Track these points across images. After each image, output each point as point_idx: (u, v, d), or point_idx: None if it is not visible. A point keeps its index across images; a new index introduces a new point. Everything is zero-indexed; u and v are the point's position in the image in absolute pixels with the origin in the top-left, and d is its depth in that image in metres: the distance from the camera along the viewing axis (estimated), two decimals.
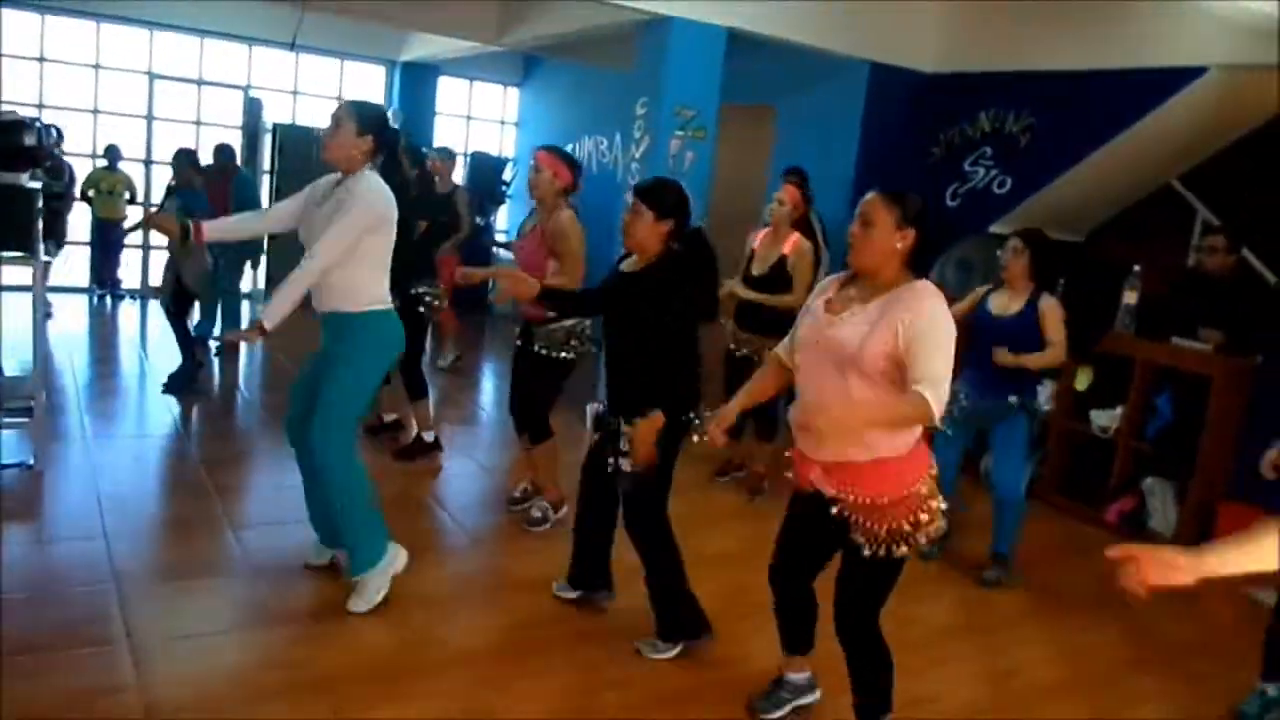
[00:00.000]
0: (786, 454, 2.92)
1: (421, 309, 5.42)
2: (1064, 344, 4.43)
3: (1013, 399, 4.49)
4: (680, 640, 3.56)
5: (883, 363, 2.51)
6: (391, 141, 3.64)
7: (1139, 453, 5.62)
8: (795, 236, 5.25)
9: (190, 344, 6.52)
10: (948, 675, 3.68)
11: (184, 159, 6.87)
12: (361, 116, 3.49)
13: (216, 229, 3.79)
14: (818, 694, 3.25)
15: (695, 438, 3.36)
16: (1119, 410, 5.63)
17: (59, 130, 8.25)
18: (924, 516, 2.64)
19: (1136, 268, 5.58)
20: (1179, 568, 1.74)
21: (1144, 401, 5.57)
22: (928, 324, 2.47)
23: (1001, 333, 4.45)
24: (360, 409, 3.70)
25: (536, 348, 4.48)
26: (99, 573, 3.74)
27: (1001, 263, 4.56)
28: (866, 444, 2.58)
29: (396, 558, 3.73)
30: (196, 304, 6.83)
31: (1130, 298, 5.56)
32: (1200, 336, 5.32)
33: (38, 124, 4.94)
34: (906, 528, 2.63)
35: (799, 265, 5.20)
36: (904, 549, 2.64)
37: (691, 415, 3.39)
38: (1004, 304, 4.52)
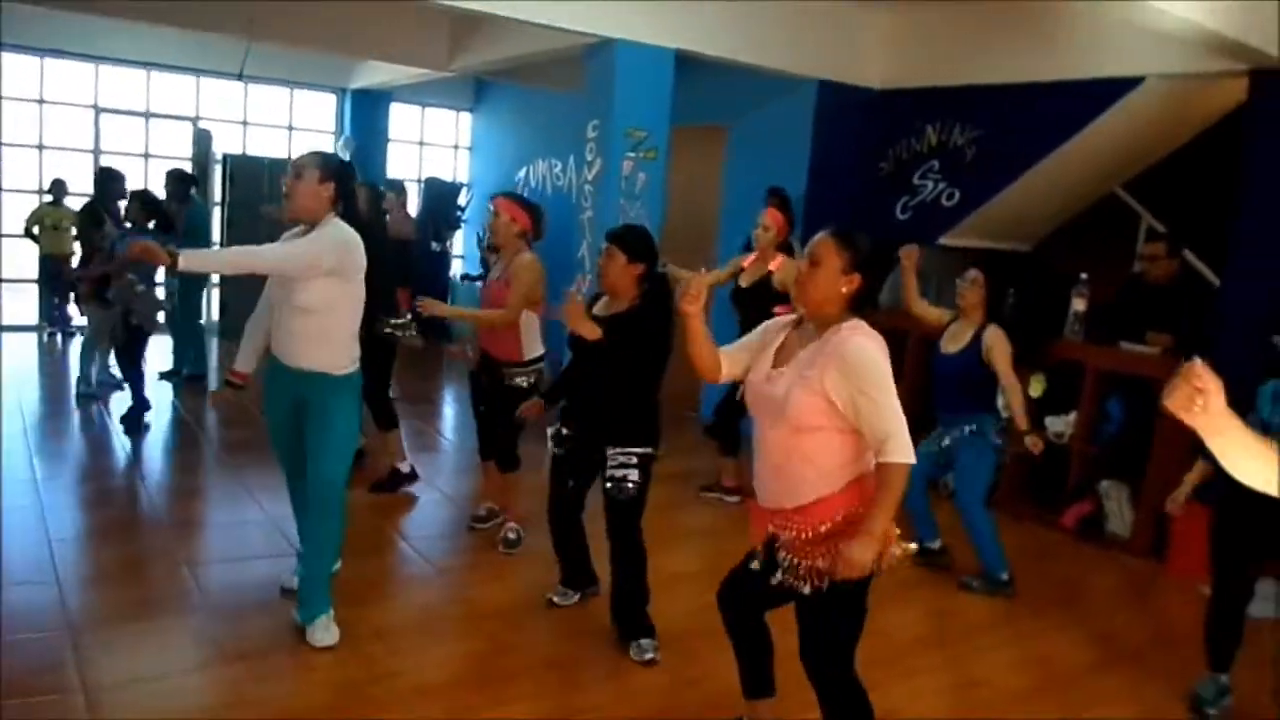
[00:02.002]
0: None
1: (391, 339, 5.39)
2: (1015, 379, 4.58)
3: (970, 428, 4.59)
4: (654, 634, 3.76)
5: (815, 419, 2.49)
6: (350, 191, 3.66)
7: (1093, 457, 5.70)
8: (781, 258, 5.44)
9: (139, 382, 6.40)
10: (914, 687, 3.70)
11: (138, 200, 6.62)
12: (323, 164, 3.49)
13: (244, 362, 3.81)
14: None
15: None
16: (1072, 416, 5.72)
17: None
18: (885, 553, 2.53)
19: (1084, 275, 5.68)
20: (1219, 407, 1.65)
21: (1096, 407, 5.66)
22: (860, 374, 2.45)
23: (949, 369, 4.66)
24: (355, 446, 3.81)
25: (506, 383, 4.60)
26: (51, 618, 3.66)
27: (959, 292, 4.64)
28: (797, 490, 2.57)
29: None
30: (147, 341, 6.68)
31: (1079, 305, 5.66)
32: (1148, 341, 5.42)
33: None
34: (840, 558, 2.49)
35: (789, 281, 5.31)
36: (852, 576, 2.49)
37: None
38: (954, 339, 4.68)
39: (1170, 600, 5.01)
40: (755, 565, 2.77)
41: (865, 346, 2.49)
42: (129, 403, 6.40)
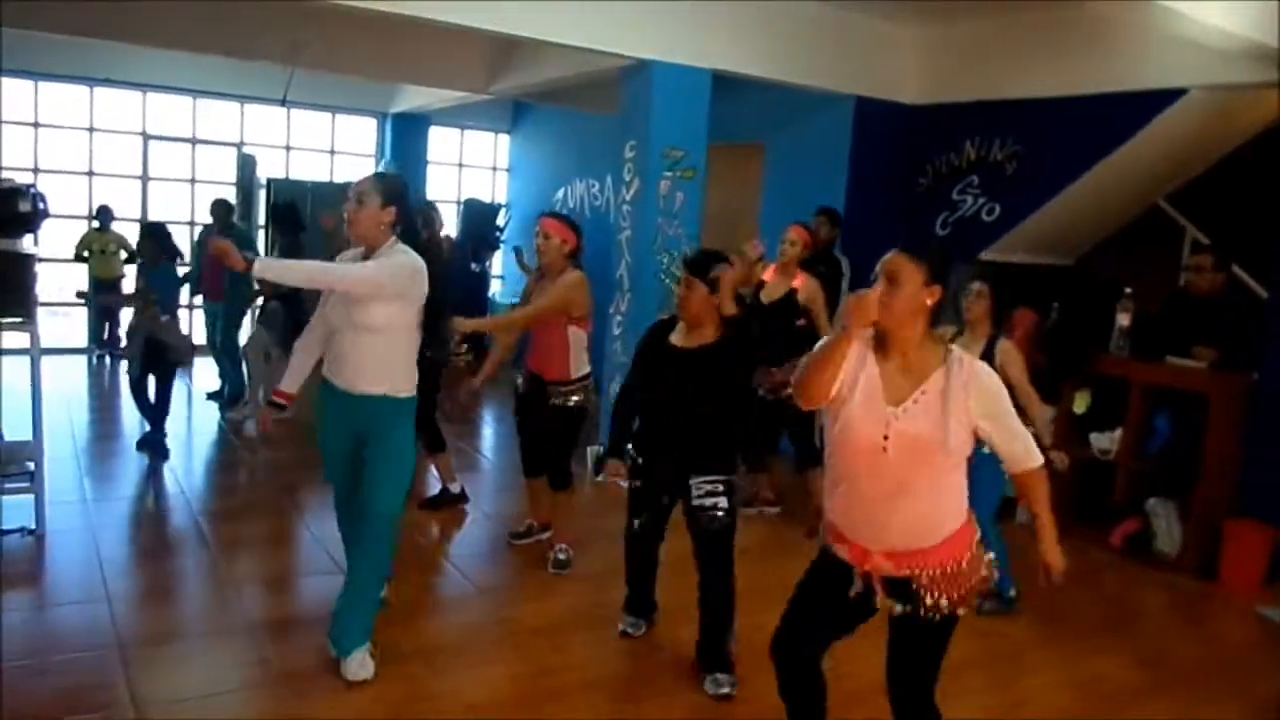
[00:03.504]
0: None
1: (444, 360, 5.44)
2: (1029, 386, 4.46)
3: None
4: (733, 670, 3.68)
5: (964, 449, 2.53)
6: (411, 214, 3.64)
7: (1140, 474, 5.61)
8: (804, 276, 5.45)
9: (156, 410, 6.35)
10: (957, 709, 3.63)
11: (150, 235, 6.55)
12: (384, 189, 3.48)
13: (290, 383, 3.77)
14: None
15: None
16: (1118, 432, 5.63)
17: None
18: (985, 571, 2.61)
19: (1128, 290, 5.60)
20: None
21: (1142, 422, 5.57)
22: (998, 400, 2.53)
23: None
24: (411, 476, 3.71)
25: (554, 401, 4.61)
26: (102, 637, 3.72)
27: (964, 305, 4.57)
28: (940, 525, 2.54)
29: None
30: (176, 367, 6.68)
31: (1124, 319, 5.58)
32: (1194, 355, 5.33)
33: (32, 190, 4.99)
34: (975, 585, 2.58)
35: (814, 303, 5.41)
36: (962, 608, 2.55)
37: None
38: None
39: (1222, 620, 4.90)
40: (874, 602, 2.64)
41: (989, 371, 2.56)
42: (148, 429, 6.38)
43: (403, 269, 3.42)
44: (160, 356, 6.23)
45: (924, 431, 2.46)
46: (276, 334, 6.68)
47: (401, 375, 3.55)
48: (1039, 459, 2.58)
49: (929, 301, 2.50)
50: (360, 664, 3.54)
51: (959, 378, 2.47)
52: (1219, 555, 5.21)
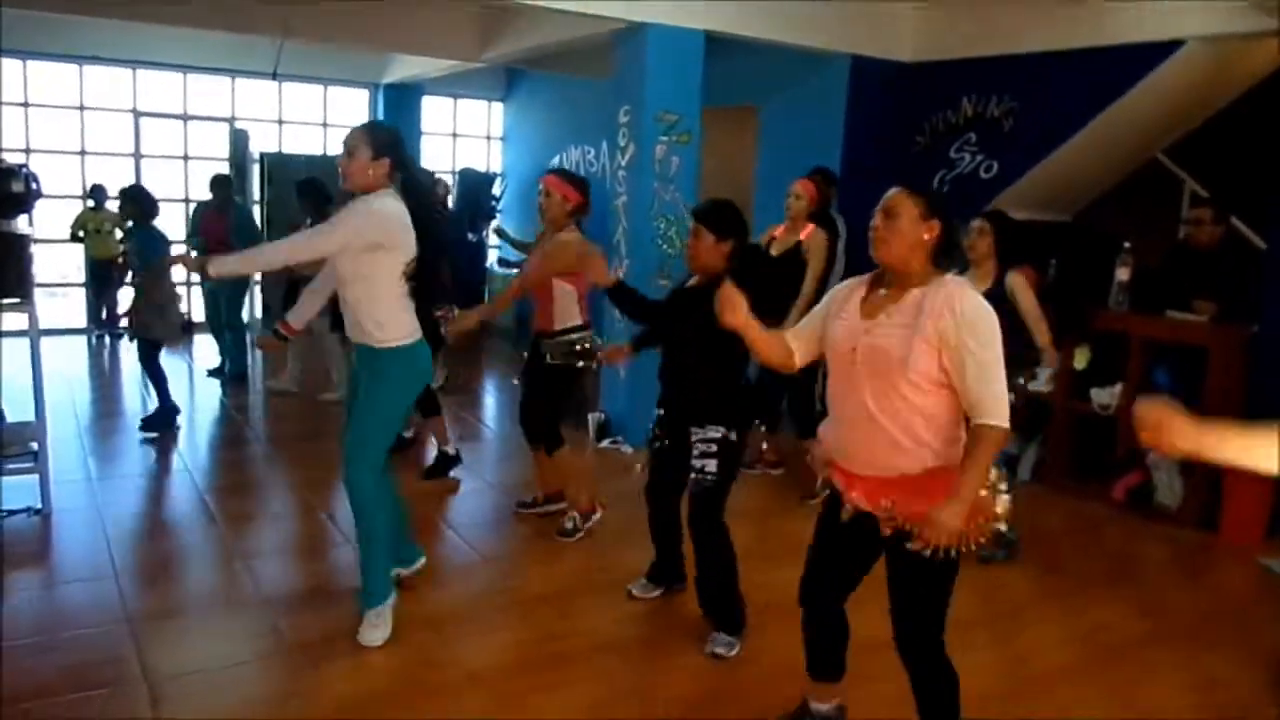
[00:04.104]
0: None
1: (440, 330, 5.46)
2: (1039, 312, 4.49)
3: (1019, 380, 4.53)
4: (740, 631, 3.67)
5: (932, 373, 2.43)
6: (407, 163, 3.59)
7: None
8: (811, 226, 5.46)
9: (165, 383, 6.36)
10: (962, 664, 3.65)
11: (131, 198, 6.44)
12: (374, 140, 3.44)
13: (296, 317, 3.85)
14: None
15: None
16: (1118, 387, 5.64)
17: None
18: (985, 519, 2.48)
19: (1127, 244, 5.58)
20: (1181, 434, 1.77)
21: (1143, 376, 5.57)
22: (972, 332, 2.38)
23: None
24: (389, 441, 3.68)
25: (546, 358, 4.60)
26: (111, 612, 3.75)
27: (967, 243, 4.57)
28: (918, 456, 2.47)
29: (394, 590, 3.73)
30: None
31: (1123, 274, 5.56)
32: (1194, 308, 5.33)
33: (25, 170, 4.97)
34: (972, 533, 2.46)
35: (814, 249, 5.41)
36: (966, 547, 2.46)
37: (757, 422, 3.60)
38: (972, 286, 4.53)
39: (1223, 571, 4.94)
40: (859, 526, 2.64)
41: (982, 303, 2.45)
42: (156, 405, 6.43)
43: (366, 217, 3.36)
44: (148, 340, 6.24)
45: (888, 347, 2.45)
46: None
47: (375, 322, 3.47)
48: (998, 418, 2.36)
49: (926, 236, 2.50)
50: (371, 626, 3.58)
51: (937, 298, 2.43)
52: (1220, 507, 5.24)
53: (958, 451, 2.48)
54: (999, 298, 4.49)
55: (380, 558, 3.67)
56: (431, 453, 5.82)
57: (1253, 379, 5.31)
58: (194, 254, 3.45)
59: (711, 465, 3.59)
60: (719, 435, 3.59)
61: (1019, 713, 3.36)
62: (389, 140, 3.49)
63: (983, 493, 2.45)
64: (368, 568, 3.65)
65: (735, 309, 2.54)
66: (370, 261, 3.40)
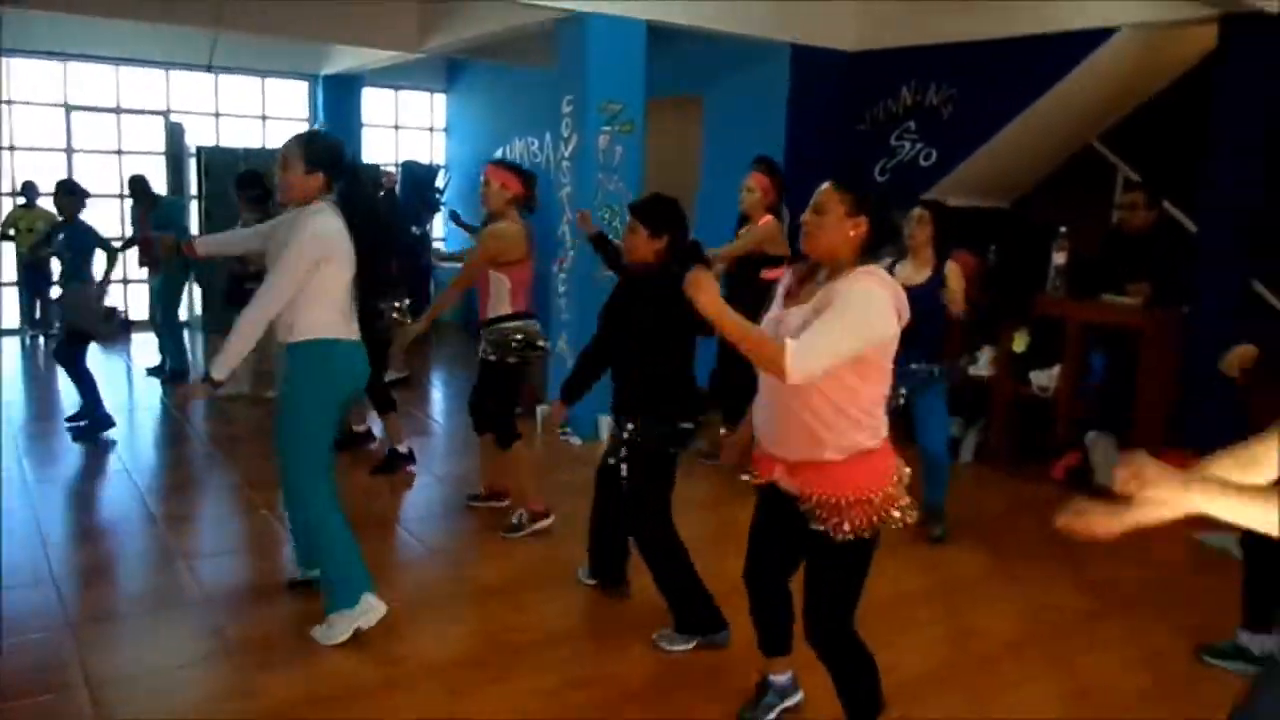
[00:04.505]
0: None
1: (383, 324, 5.42)
2: (963, 297, 4.62)
3: (925, 366, 4.63)
4: (697, 635, 3.61)
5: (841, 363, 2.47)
6: (346, 171, 3.55)
7: (1079, 409, 5.74)
8: (768, 218, 5.47)
9: (90, 384, 6.16)
10: (910, 642, 3.75)
11: (64, 190, 6.34)
12: (308, 152, 3.40)
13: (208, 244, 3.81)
14: (800, 695, 3.17)
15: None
16: (1056, 370, 5.76)
17: None
18: (894, 513, 2.60)
19: (1063, 229, 5.70)
20: (1163, 498, 1.67)
21: (1080, 359, 5.70)
22: (845, 300, 2.44)
23: (912, 301, 4.56)
24: (322, 438, 3.58)
25: (483, 352, 4.58)
26: (50, 618, 3.66)
27: (906, 232, 4.65)
28: (829, 444, 2.54)
29: (369, 611, 3.56)
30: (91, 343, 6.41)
31: (1059, 259, 5.68)
32: (1128, 291, 5.45)
33: None
34: (870, 525, 2.58)
35: (767, 237, 5.43)
36: (869, 534, 2.59)
37: (692, 424, 3.57)
38: (909, 274, 4.60)
39: (1161, 546, 5.02)
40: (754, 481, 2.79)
41: (870, 288, 2.49)
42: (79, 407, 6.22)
43: (309, 241, 3.33)
44: (74, 331, 6.08)
45: (791, 332, 2.48)
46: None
47: (284, 323, 3.41)
48: (794, 354, 2.33)
49: (852, 233, 2.55)
50: (328, 626, 3.53)
51: (839, 283, 2.51)
52: None
53: (872, 437, 2.58)
54: (938, 285, 4.58)
55: (341, 560, 3.56)
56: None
57: (1185, 359, 5.45)
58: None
59: (624, 470, 3.59)
60: (651, 428, 3.54)
61: (966, 687, 3.43)
62: (324, 152, 3.45)
63: (890, 491, 2.59)
64: (326, 565, 3.59)
65: (703, 289, 2.41)
66: (310, 275, 3.37)
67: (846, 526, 2.57)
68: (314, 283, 3.38)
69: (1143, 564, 4.76)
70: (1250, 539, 3.54)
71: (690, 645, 3.61)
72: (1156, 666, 3.66)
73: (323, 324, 3.44)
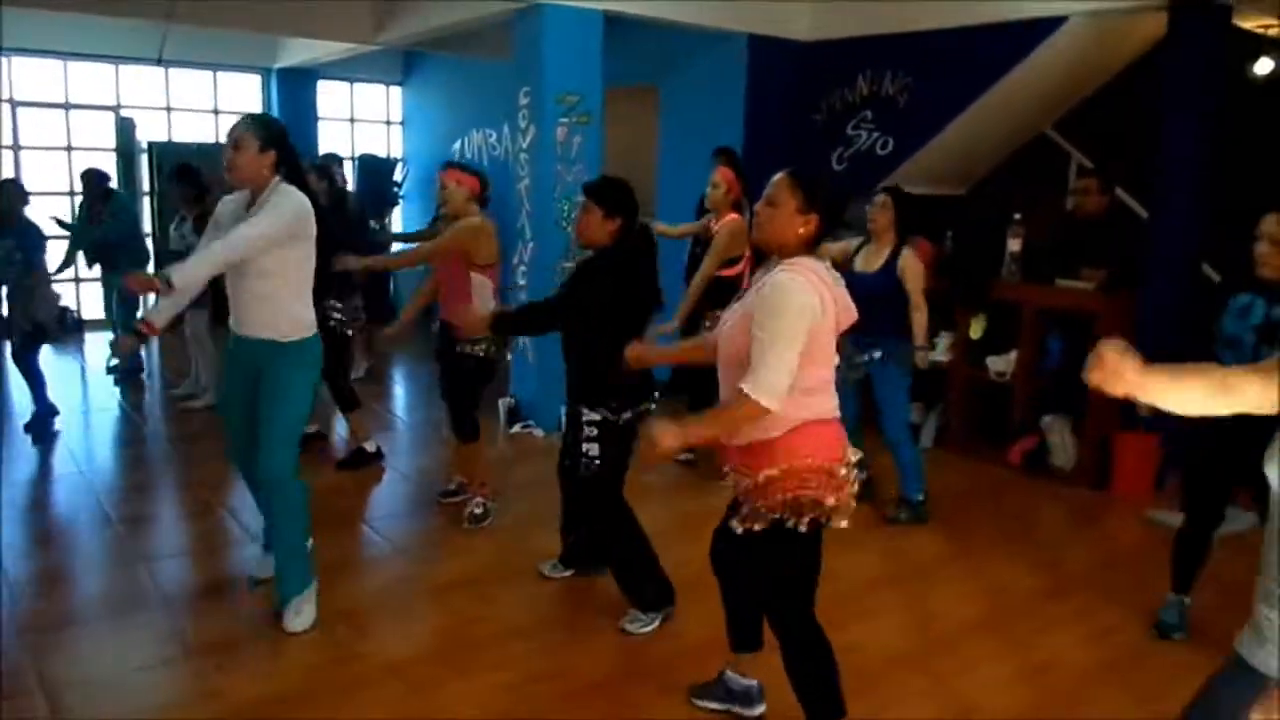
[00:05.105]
0: None
1: (333, 324, 5.35)
2: (920, 295, 4.71)
3: (877, 354, 4.72)
4: (657, 611, 3.67)
5: (741, 350, 2.50)
6: (293, 154, 3.55)
7: (1035, 393, 5.83)
8: (730, 215, 5.36)
9: (41, 387, 6.08)
10: (873, 625, 3.79)
11: (8, 188, 6.21)
12: (260, 132, 3.41)
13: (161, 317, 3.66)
14: (760, 709, 3.08)
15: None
16: (1013, 354, 5.83)
17: None
18: (818, 493, 2.52)
19: (1017, 215, 5.77)
20: (1125, 381, 1.90)
21: (1035, 344, 5.78)
22: (761, 308, 2.45)
23: (866, 289, 4.58)
24: (302, 430, 3.69)
25: (459, 349, 4.56)
26: (5, 624, 3.59)
27: (869, 216, 4.73)
28: (769, 424, 2.50)
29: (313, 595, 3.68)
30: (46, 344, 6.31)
31: (1014, 245, 5.75)
32: (1082, 276, 5.53)
33: None
34: (781, 505, 2.53)
35: (721, 236, 5.33)
36: (778, 520, 2.55)
37: (648, 404, 3.64)
38: (869, 260, 4.74)
39: (1115, 526, 5.16)
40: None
41: (782, 283, 2.47)
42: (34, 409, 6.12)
43: (289, 212, 3.37)
44: (29, 329, 5.96)
45: (728, 336, 2.58)
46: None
47: (286, 319, 3.48)
48: (754, 390, 2.39)
49: (802, 230, 2.55)
50: (295, 612, 3.56)
51: (763, 284, 2.53)
52: (1111, 466, 5.47)
53: (789, 433, 2.52)
54: (891, 272, 4.65)
55: (301, 542, 3.62)
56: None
57: (1139, 342, 5.50)
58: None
59: (594, 449, 3.59)
60: (599, 418, 3.57)
61: (927, 668, 3.48)
62: (276, 131, 3.47)
63: (814, 463, 2.52)
64: (289, 554, 3.60)
65: (663, 439, 2.42)
66: (282, 256, 3.39)
67: (760, 504, 2.54)
68: (295, 276, 3.46)
69: (1098, 544, 4.86)
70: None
71: (655, 623, 3.65)
72: (1110, 643, 3.74)
73: (305, 323, 3.55)
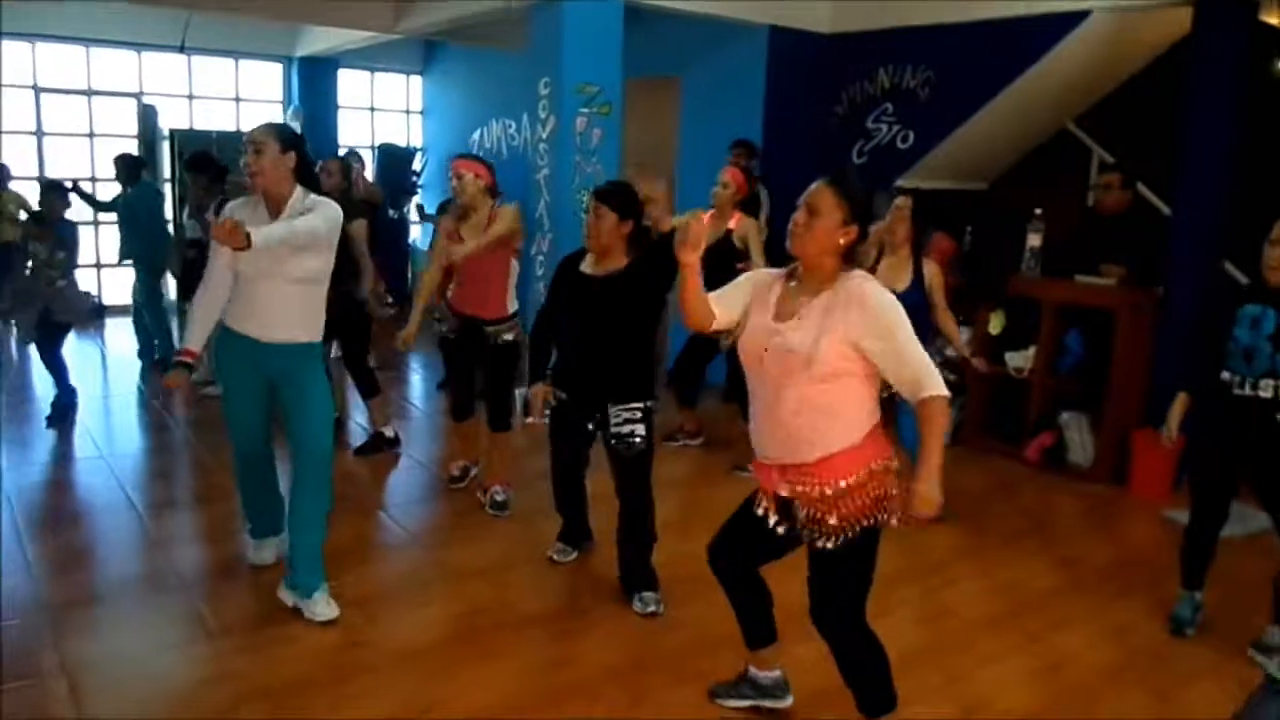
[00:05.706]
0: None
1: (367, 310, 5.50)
2: (945, 307, 4.69)
3: None
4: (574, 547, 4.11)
5: (837, 364, 2.47)
6: (309, 160, 3.63)
7: (1054, 390, 5.80)
8: (739, 215, 5.45)
9: (64, 373, 6.17)
10: (890, 622, 3.74)
11: (52, 192, 6.30)
12: (280, 135, 3.47)
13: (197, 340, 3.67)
14: (789, 700, 3.09)
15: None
16: (1031, 350, 5.81)
17: None
18: (891, 491, 2.56)
19: (1038, 211, 5.74)
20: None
21: (1054, 340, 5.75)
22: (883, 318, 2.46)
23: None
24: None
25: (494, 341, 4.64)
26: (26, 605, 3.64)
27: (886, 227, 4.58)
28: (816, 443, 2.52)
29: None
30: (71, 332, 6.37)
31: (1034, 240, 5.72)
32: (1102, 273, 5.50)
33: None
34: (869, 509, 2.53)
35: (751, 236, 5.40)
36: (869, 524, 2.54)
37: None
38: (893, 276, 4.52)
39: (1132, 523, 5.14)
40: (772, 523, 2.70)
41: (883, 293, 2.51)
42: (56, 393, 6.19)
43: (334, 218, 3.47)
44: (50, 319, 6.02)
45: (795, 346, 2.49)
46: None
47: (316, 321, 3.61)
48: (936, 388, 2.44)
49: (843, 241, 2.51)
50: (325, 603, 3.60)
51: (844, 294, 2.49)
52: (1129, 464, 5.44)
53: (865, 437, 2.55)
54: (919, 289, 4.54)
55: (322, 536, 3.68)
56: (357, 431, 5.75)
57: (1158, 339, 5.51)
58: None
59: (640, 429, 3.69)
60: (643, 405, 3.71)
61: (942, 664, 3.47)
62: (294, 135, 3.55)
63: (882, 466, 2.55)
64: (311, 547, 3.63)
65: (697, 247, 2.52)
66: (321, 263, 3.50)
67: (833, 520, 2.52)
68: (327, 280, 3.58)
69: (1114, 542, 4.83)
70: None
71: (573, 554, 4.15)
72: (1126, 641, 3.72)
73: (319, 328, 3.65)
